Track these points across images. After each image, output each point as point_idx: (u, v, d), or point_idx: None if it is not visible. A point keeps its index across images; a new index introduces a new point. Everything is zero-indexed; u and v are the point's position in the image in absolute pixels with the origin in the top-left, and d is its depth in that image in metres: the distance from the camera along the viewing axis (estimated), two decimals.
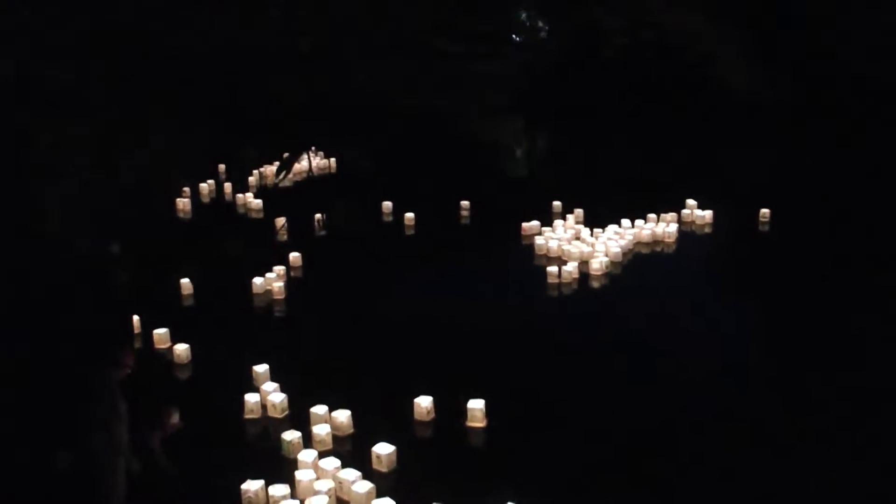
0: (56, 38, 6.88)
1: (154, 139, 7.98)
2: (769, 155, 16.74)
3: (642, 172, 16.50)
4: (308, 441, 8.13)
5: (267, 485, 7.37)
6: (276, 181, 15.47)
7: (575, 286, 12.03)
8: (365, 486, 7.25)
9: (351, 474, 7.45)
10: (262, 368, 9.31)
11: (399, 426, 8.29)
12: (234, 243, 12.75)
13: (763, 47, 16.00)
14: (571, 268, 12.22)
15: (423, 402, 8.52)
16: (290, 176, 16.91)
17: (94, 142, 7.60)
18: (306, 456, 7.72)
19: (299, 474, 7.48)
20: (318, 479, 7.47)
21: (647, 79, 18.16)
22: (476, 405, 8.42)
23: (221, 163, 16.79)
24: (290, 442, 8.04)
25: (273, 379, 9.12)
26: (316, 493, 7.27)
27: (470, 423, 8.38)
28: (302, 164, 15.51)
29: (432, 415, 8.52)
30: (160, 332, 10.35)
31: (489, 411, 8.44)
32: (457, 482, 7.36)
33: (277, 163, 16.92)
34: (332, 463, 7.59)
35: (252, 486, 7.30)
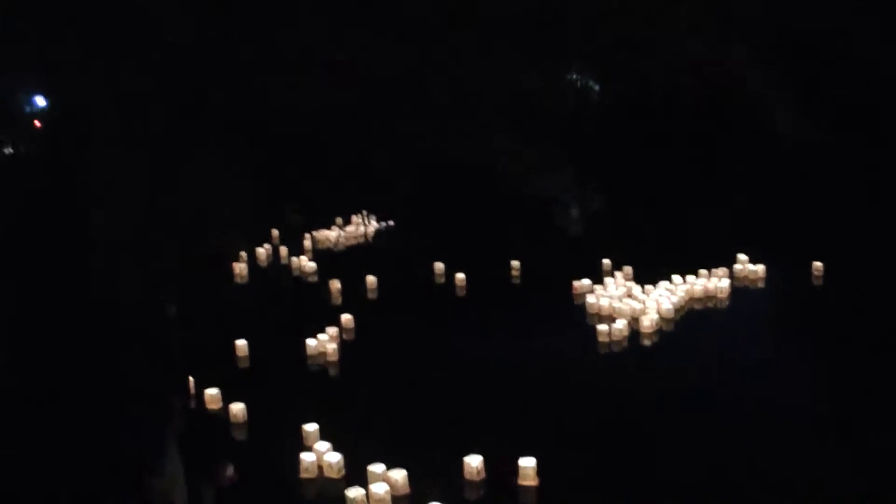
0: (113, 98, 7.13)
1: (213, 201, 8.20)
2: (818, 205, 16.60)
3: (691, 226, 16.47)
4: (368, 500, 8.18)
5: None
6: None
7: (625, 343, 12.01)
8: None
9: None
10: (312, 427, 9.38)
11: (451, 486, 8.30)
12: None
13: (808, 90, 15.96)
14: (621, 325, 12.20)
15: (473, 462, 8.50)
16: (344, 241, 17.27)
17: (152, 201, 7.85)
18: None
19: None
20: None
21: (692, 128, 18.15)
22: (527, 463, 8.40)
23: (274, 227, 17.11)
24: (353, 499, 8.09)
25: (327, 439, 9.16)
26: None
27: (521, 482, 8.36)
28: (358, 229, 15.91)
29: (482, 474, 8.50)
30: (212, 393, 10.48)
31: (540, 470, 8.42)
32: None
33: (336, 227, 17.37)
34: None
35: None
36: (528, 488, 8.34)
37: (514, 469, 8.43)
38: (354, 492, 8.15)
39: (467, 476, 8.49)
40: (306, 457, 8.85)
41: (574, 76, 16.34)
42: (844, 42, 15.89)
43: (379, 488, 8.19)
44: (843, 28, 15.40)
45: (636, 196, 17.21)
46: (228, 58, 7.05)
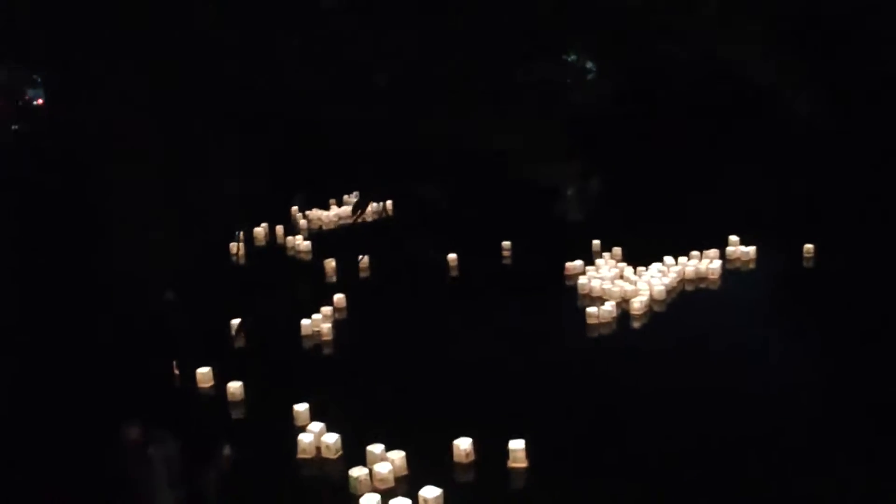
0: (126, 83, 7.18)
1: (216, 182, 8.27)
2: (814, 189, 16.69)
3: (685, 209, 16.57)
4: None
5: None
6: (354, 218, 15.93)
7: (615, 326, 12.11)
8: None
9: None
10: (302, 407, 9.48)
11: (439, 468, 8.37)
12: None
13: (825, 75, 15.95)
14: (610, 307, 12.30)
15: (462, 444, 8.57)
16: (337, 220, 17.39)
17: (158, 186, 7.92)
18: (372, 497, 7.82)
19: None
20: None
21: (701, 112, 18.22)
22: (517, 445, 8.48)
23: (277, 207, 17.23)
24: (356, 478, 8.14)
25: (322, 419, 9.25)
26: None
27: (511, 464, 8.44)
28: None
29: (472, 457, 8.57)
30: (203, 372, 10.55)
31: (530, 451, 8.49)
32: None
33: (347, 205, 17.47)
34: (403, 502, 7.70)
35: None
36: (517, 470, 8.41)
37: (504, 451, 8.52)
38: (358, 471, 8.21)
39: (456, 459, 8.56)
40: (304, 437, 8.91)
41: (573, 58, 16.31)
42: (859, 24, 15.94)
43: (382, 468, 8.26)
44: (860, 8, 15.46)
45: (633, 179, 17.34)
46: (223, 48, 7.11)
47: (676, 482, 8.09)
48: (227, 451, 8.77)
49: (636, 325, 12.19)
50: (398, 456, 8.46)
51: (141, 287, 7.98)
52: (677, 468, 8.31)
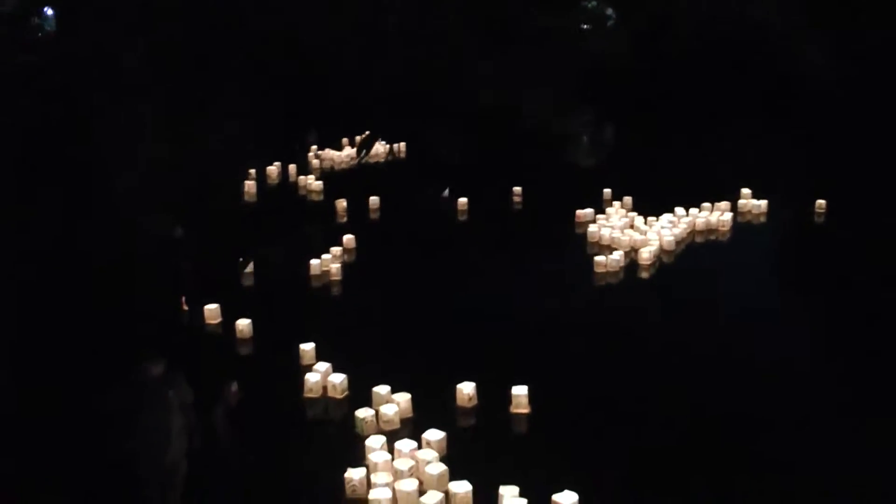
0: (123, 13, 7.14)
1: (223, 118, 8.27)
2: (830, 146, 16.58)
3: (699, 161, 16.50)
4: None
5: (341, 467, 7.40)
6: (359, 159, 15.99)
7: (622, 275, 12.12)
8: (439, 468, 7.35)
9: (428, 454, 7.58)
10: (308, 346, 9.52)
11: (443, 412, 8.42)
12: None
13: (838, 36, 15.80)
14: (618, 256, 12.30)
15: (466, 389, 8.61)
16: (349, 160, 17.40)
17: (161, 120, 7.92)
18: (378, 438, 7.82)
19: (375, 455, 7.55)
20: (395, 460, 7.55)
21: (716, 69, 18.08)
22: (520, 391, 8.52)
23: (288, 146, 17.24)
24: (363, 419, 8.18)
25: (327, 359, 9.25)
26: (400, 472, 7.35)
27: (514, 410, 8.49)
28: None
29: (474, 401, 8.61)
30: (211, 308, 10.57)
31: (532, 397, 8.53)
32: (505, 468, 7.37)
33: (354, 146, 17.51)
34: (408, 444, 7.70)
35: (356, 474, 7.30)
36: (520, 416, 8.45)
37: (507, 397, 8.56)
38: (364, 412, 8.25)
39: (459, 403, 8.60)
40: (311, 377, 8.94)
41: (593, 3, 16.18)
42: None
43: (388, 409, 8.30)
44: None
45: (649, 130, 17.26)
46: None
47: (676, 432, 8.11)
48: (233, 387, 8.89)
49: (644, 275, 12.18)
50: (404, 398, 8.50)
51: (145, 222, 8.01)
52: (677, 418, 8.34)
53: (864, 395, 8.74)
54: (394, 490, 7.13)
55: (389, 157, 17.71)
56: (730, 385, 8.95)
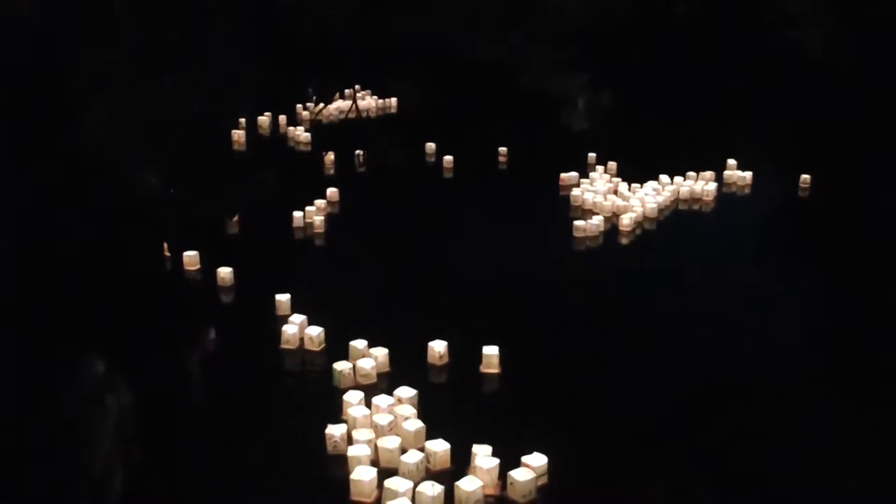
0: None
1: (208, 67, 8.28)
2: (820, 121, 16.60)
3: (687, 130, 16.54)
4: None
5: (319, 421, 7.40)
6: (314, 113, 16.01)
7: (601, 240, 12.18)
8: (416, 425, 7.36)
9: (406, 410, 7.59)
10: (284, 297, 9.57)
11: (417, 369, 8.46)
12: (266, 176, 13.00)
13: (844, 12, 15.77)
14: (597, 221, 12.35)
15: (437, 347, 8.65)
16: (339, 115, 17.43)
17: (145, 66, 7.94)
18: (356, 394, 7.83)
19: (354, 410, 7.56)
20: (374, 415, 7.56)
21: (712, 39, 18.07)
22: (491, 351, 8.55)
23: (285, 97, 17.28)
24: (340, 372, 8.21)
25: (306, 312, 9.28)
26: (380, 428, 7.37)
27: (484, 370, 8.51)
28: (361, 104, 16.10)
29: (445, 359, 8.65)
30: (190, 255, 10.62)
31: (504, 358, 8.55)
32: (475, 427, 7.36)
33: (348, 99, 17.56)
34: (386, 400, 7.72)
35: (337, 430, 7.29)
36: (490, 375, 8.49)
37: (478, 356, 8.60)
38: (342, 365, 8.27)
39: (430, 361, 8.64)
40: (288, 328, 8.97)
41: None
42: None
43: (365, 364, 8.34)
44: None
45: (643, 98, 17.29)
46: None
47: (648, 396, 8.14)
48: (211, 334, 8.99)
49: (624, 241, 12.25)
50: (381, 353, 8.55)
51: (129, 170, 8.05)
52: (650, 383, 8.38)
53: (840, 367, 8.81)
54: (376, 447, 7.16)
55: (384, 112, 17.80)
56: (705, 352, 8.99)
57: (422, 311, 9.79)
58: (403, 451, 7.11)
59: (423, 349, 8.69)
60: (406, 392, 7.86)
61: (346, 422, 7.52)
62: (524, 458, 6.90)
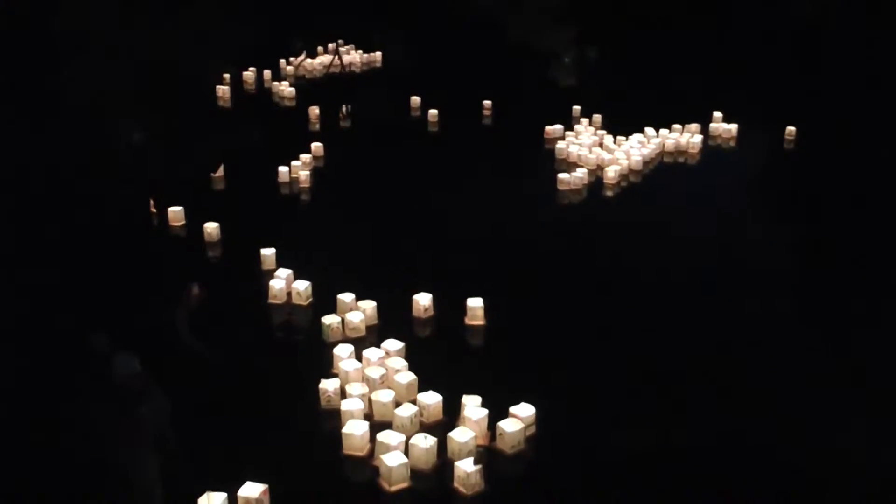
0: None
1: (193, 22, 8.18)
2: (807, 76, 16.57)
3: (673, 83, 16.49)
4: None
5: (310, 374, 7.40)
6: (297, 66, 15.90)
7: (585, 193, 12.19)
8: (408, 377, 7.38)
9: (397, 363, 7.58)
10: (269, 252, 9.57)
11: (403, 322, 8.48)
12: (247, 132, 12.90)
13: None
14: (581, 174, 12.34)
15: (422, 300, 8.66)
16: (322, 68, 17.32)
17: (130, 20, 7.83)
18: (346, 347, 7.82)
19: (346, 364, 7.55)
20: (365, 368, 7.54)
21: None
22: (475, 303, 8.55)
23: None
24: (329, 326, 8.21)
25: (292, 266, 9.27)
26: (372, 381, 7.34)
27: (469, 322, 8.53)
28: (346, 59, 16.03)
29: (430, 312, 8.66)
30: (175, 210, 10.62)
31: (488, 310, 8.56)
32: (461, 378, 7.39)
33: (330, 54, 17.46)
34: (376, 353, 7.72)
35: (330, 385, 7.28)
36: (475, 327, 8.50)
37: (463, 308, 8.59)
38: (330, 319, 8.26)
39: (415, 314, 8.66)
40: (275, 283, 8.95)
41: None
42: None
43: (354, 317, 8.33)
44: None
45: (630, 53, 17.22)
46: None
47: (630, 347, 8.15)
48: (196, 289, 8.95)
49: (608, 193, 12.25)
50: (369, 306, 8.54)
51: (116, 126, 7.98)
52: (632, 335, 8.40)
53: (819, 312, 8.87)
54: (369, 401, 7.17)
55: (370, 68, 17.73)
56: (687, 302, 9.03)
57: (406, 265, 9.77)
58: (397, 404, 7.11)
59: (409, 302, 8.69)
60: (394, 345, 7.88)
61: (337, 376, 7.53)
62: (512, 409, 6.94)
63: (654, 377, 7.69)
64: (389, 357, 7.76)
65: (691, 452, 6.71)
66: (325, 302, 8.72)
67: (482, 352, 8.29)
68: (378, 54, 17.69)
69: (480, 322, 8.57)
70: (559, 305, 9.01)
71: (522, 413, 6.91)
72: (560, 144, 13.42)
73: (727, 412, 7.21)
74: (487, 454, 6.65)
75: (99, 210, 8.91)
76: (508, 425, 6.75)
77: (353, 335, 8.24)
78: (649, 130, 13.88)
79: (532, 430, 6.89)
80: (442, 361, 7.88)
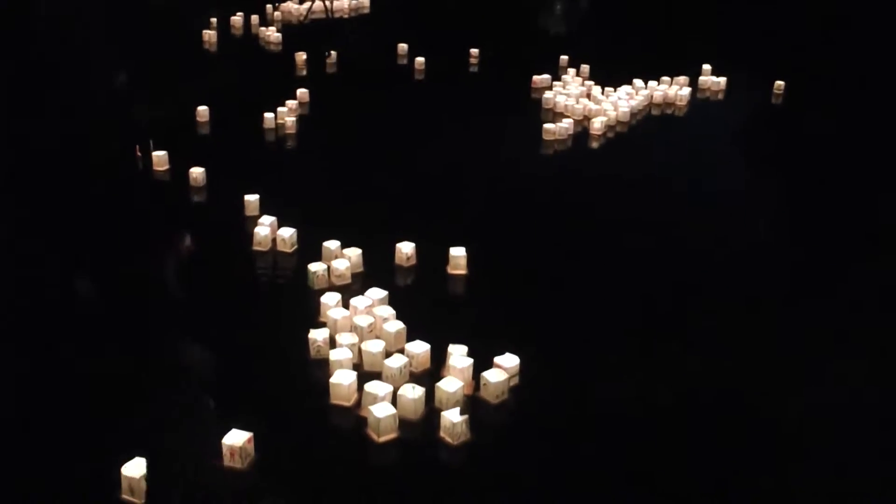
0: None
1: None
2: (799, 29, 16.50)
3: (662, 35, 16.41)
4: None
5: (297, 323, 7.28)
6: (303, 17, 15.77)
7: (570, 143, 12.06)
8: (397, 326, 7.27)
9: (385, 311, 7.49)
10: (252, 197, 9.48)
11: (383, 271, 8.41)
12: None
13: None
14: (567, 124, 12.23)
15: (404, 248, 8.59)
16: (310, 14, 17.15)
17: None
18: (333, 296, 7.71)
19: (333, 313, 7.43)
20: (353, 316, 7.43)
21: None
22: (458, 252, 8.46)
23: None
24: (315, 273, 8.14)
25: (276, 213, 9.15)
26: (361, 330, 7.24)
27: (451, 271, 8.46)
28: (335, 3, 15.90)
29: (413, 261, 8.60)
30: (159, 155, 10.50)
31: (470, 259, 8.46)
32: (445, 328, 7.28)
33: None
34: (364, 301, 7.61)
35: (319, 335, 7.15)
36: (457, 276, 8.42)
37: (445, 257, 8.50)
38: (316, 266, 8.20)
39: (398, 262, 8.59)
40: (259, 230, 8.87)
41: None
42: None
43: (339, 264, 8.26)
44: None
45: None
46: None
47: (617, 302, 8.10)
48: (185, 239, 8.93)
49: (594, 144, 12.16)
50: (355, 253, 8.48)
51: (99, 70, 7.89)
52: (618, 289, 8.35)
53: (811, 273, 8.78)
54: (359, 350, 7.08)
55: (357, 13, 17.55)
56: (674, 258, 8.97)
57: (390, 213, 9.73)
58: (387, 354, 7.04)
59: (392, 250, 8.63)
60: (377, 293, 7.81)
61: (325, 324, 7.48)
62: (496, 359, 6.90)
63: (642, 328, 7.67)
64: (378, 305, 7.72)
65: (679, 403, 6.67)
66: (310, 250, 8.61)
67: (464, 301, 8.24)
68: (366, 0, 17.49)
69: (463, 271, 8.50)
70: (543, 257, 8.96)
71: (507, 363, 6.87)
72: (547, 94, 13.33)
73: (720, 363, 7.17)
74: (472, 404, 6.60)
75: (83, 154, 8.85)
76: (493, 375, 6.72)
77: (339, 282, 8.18)
78: (637, 82, 13.79)
79: (516, 380, 6.87)
80: (424, 310, 7.77)
